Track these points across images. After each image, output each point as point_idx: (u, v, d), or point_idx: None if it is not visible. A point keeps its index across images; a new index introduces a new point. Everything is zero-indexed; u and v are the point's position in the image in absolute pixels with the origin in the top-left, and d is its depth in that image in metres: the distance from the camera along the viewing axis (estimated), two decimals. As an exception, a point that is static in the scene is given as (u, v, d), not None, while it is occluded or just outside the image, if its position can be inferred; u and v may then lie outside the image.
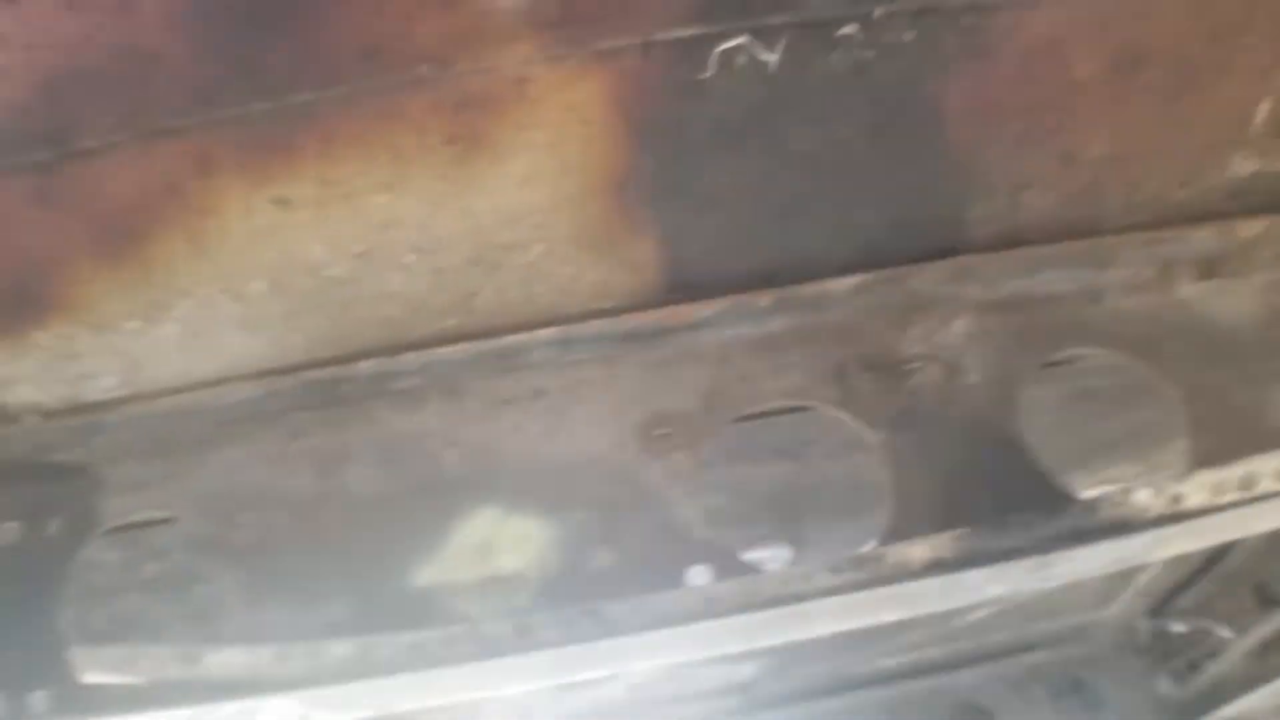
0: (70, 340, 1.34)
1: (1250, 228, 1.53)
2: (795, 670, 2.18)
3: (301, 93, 1.18)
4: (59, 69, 1.12)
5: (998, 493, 1.39)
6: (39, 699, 1.33)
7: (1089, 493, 1.40)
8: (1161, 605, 2.82)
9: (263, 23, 1.12)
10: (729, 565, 1.33)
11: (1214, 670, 2.74)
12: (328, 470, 1.40)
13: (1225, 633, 2.67)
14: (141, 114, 1.17)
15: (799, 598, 1.27)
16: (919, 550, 1.29)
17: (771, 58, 1.26)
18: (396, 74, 1.18)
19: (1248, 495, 1.29)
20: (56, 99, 1.14)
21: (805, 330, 1.46)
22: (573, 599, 1.30)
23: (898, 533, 1.35)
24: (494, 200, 1.29)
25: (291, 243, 1.27)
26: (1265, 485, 1.28)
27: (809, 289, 1.43)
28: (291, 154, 1.22)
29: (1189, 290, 1.55)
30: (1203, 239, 1.52)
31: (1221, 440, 1.45)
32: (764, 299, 1.43)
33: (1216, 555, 2.58)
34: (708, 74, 1.25)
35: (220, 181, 1.22)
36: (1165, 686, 2.93)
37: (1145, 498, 1.31)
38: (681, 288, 1.41)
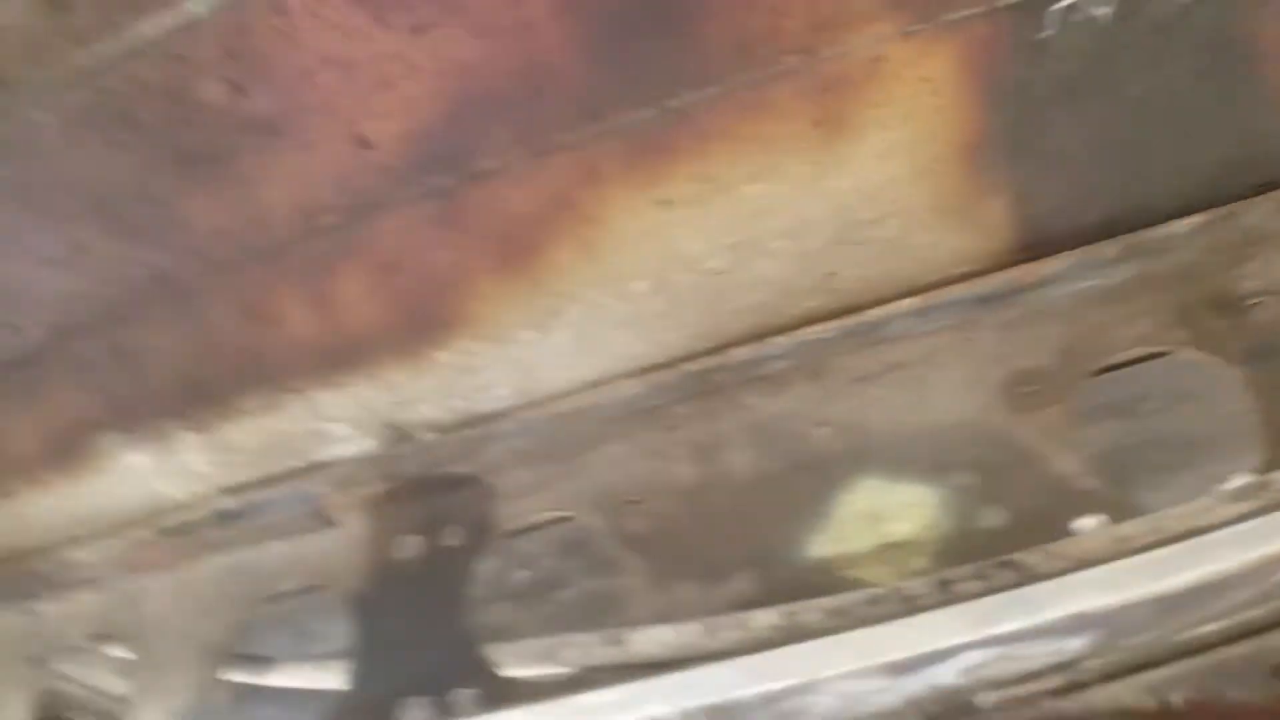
0: (469, 355, 1.43)
1: None
2: (1120, 642, 2.16)
3: (680, 95, 1.25)
4: (463, 94, 1.21)
5: (1361, 414, 1.38)
6: (464, 697, 1.41)
7: None
8: None
9: (648, 32, 1.19)
10: (1119, 512, 1.34)
11: None
12: (706, 457, 1.46)
13: None
14: (537, 131, 1.26)
15: (1206, 529, 1.27)
16: (1306, 473, 1.29)
17: (1104, 10, 1.29)
18: (766, 67, 1.24)
19: None
20: (460, 123, 1.23)
21: (1150, 276, 1.47)
22: (971, 558, 1.33)
23: (1276, 462, 1.35)
24: (854, 179, 1.34)
25: (672, 240, 1.34)
26: None
27: (1151, 234, 1.45)
28: (671, 155, 1.29)
29: None
30: None
31: None
32: (1110, 249, 1.44)
33: None
34: (1047, 32, 1.28)
35: (607, 190, 1.30)
36: None
37: None
38: (1030, 246, 1.44)
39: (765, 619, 1.32)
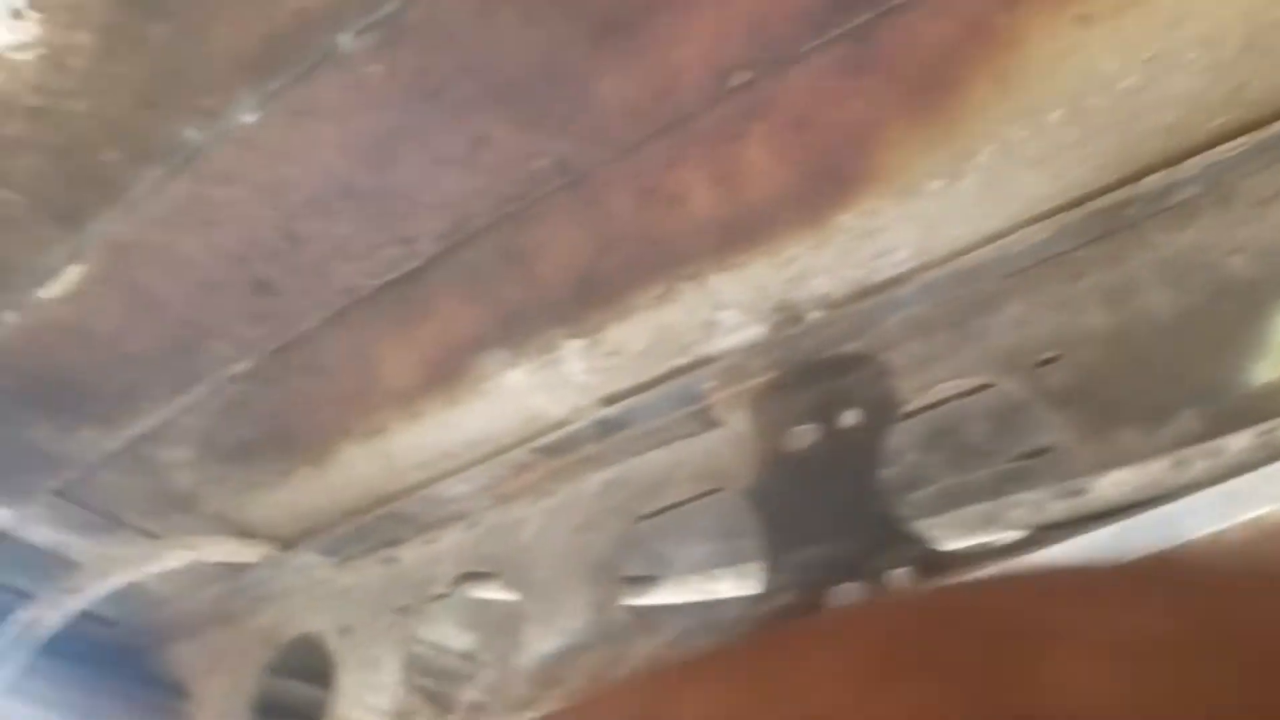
0: (873, 215, 1.37)
1: None
2: None
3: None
4: None
5: None
6: (899, 576, 1.35)
7: None
8: None
9: None
10: None
11: None
12: (1120, 301, 1.40)
13: None
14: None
15: None
16: None
17: None
18: None
19: None
20: None
21: None
22: None
23: None
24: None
25: (1089, 60, 1.28)
26: None
27: None
28: (1092, -36, 1.23)
29: None
30: None
31: None
32: None
33: None
34: None
35: (1026, 9, 1.24)
36: None
37: None
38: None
39: (1238, 443, 1.25)
